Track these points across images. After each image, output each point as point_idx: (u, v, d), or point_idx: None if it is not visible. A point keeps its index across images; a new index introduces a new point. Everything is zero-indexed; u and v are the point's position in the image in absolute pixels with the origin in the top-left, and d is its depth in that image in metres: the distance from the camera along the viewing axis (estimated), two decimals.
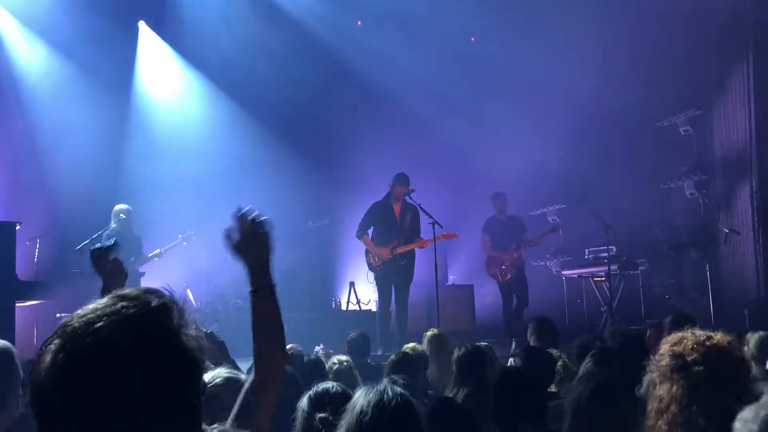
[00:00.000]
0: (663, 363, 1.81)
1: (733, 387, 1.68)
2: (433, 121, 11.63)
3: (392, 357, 4.33)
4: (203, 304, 10.31)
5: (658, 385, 1.79)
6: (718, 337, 1.85)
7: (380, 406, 1.89)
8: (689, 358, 1.77)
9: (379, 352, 7.86)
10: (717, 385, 1.72)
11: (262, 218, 1.97)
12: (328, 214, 10.98)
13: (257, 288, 1.93)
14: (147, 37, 10.89)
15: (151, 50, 10.92)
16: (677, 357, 1.79)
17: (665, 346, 1.86)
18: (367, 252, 8.51)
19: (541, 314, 5.56)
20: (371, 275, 8.55)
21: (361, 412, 1.90)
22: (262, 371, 1.87)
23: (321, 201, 10.95)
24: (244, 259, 1.95)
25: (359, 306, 10.71)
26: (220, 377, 2.49)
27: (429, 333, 5.25)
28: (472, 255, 10.69)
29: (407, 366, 4.03)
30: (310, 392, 2.43)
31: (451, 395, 3.32)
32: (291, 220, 10.28)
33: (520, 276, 9.57)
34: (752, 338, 4.10)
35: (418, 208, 8.36)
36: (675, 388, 1.76)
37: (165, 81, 11.01)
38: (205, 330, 3.09)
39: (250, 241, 1.95)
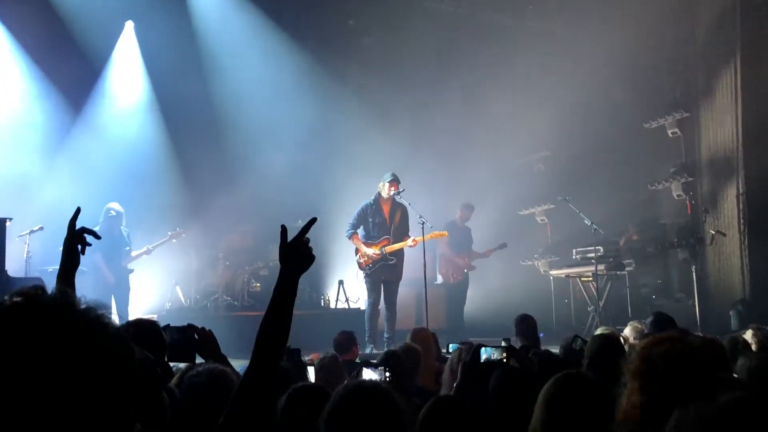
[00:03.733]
0: (631, 363, 1.88)
1: (696, 389, 1.73)
2: (423, 121, 11.68)
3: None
4: (192, 301, 10.32)
5: (627, 384, 1.86)
6: (690, 338, 1.91)
7: (355, 393, 1.96)
8: (653, 357, 1.84)
9: (368, 351, 7.88)
10: (679, 387, 1.77)
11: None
12: (317, 212, 10.86)
13: (285, 291, 2.01)
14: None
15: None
16: (644, 357, 1.86)
17: (637, 347, 1.92)
18: (356, 251, 8.55)
19: (524, 312, 5.62)
20: (360, 273, 8.58)
21: (338, 396, 1.97)
22: (258, 360, 1.93)
23: (310, 199, 11.00)
24: (289, 264, 2.03)
25: (348, 304, 10.74)
26: (202, 370, 2.53)
27: (413, 329, 5.28)
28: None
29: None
30: (289, 390, 2.48)
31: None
32: (281, 218, 10.22)
33: (465, 279, 10.29)
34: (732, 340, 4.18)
35: (408, 207, 8.42)
36: (639, 387, 1.82)
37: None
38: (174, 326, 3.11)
39: (301, 251, 2.04)
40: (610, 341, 3.69)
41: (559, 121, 10.72)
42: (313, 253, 2.05)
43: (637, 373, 1.87)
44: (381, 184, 8.42)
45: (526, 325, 5.51)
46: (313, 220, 2.12)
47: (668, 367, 1.84)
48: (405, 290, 9.13)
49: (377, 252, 8.35)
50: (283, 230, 2.08)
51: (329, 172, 11.24)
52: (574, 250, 10.29)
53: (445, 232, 8.84)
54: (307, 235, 2.06)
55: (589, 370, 3.29)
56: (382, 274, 8.38)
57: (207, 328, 3.20)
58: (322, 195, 10.91)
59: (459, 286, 10.25)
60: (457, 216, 10.26)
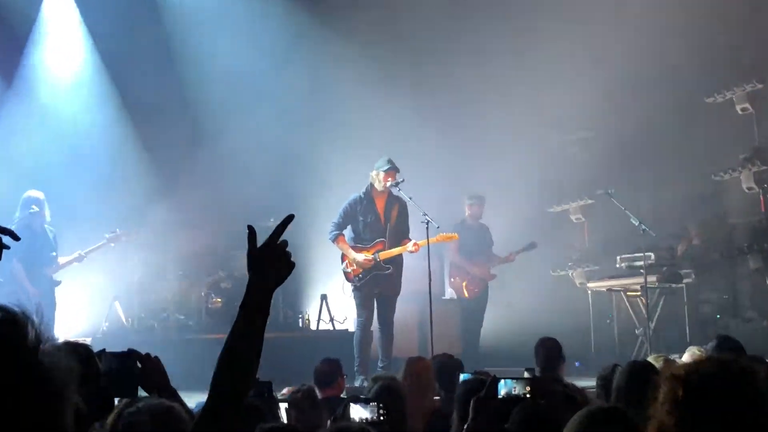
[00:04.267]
0: (664, 392, 1.90)
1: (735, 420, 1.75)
2: (429, 94, 11.71)
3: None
4: (135, 321, 10.34)
5: (657, 417, 1.89)
6: (741, 361, 1.93)
7: None
8: (692, 383, 1.86)
9: (357, 383, 7.90)
10: (725, 421, 1.80)
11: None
12: (295, 209, 10.87)
13: (254, 306, 2.01)
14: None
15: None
16: (679, 383, 1.88)
17: (671, 370, 1.95)
18: (343, 258, 8.57)
19: (548, 336, 5.64)
20: (348, 286, 8.63)
21: None
22: (218, 396, 1.94)
23: (288, 191, 11.03)
24: (260, 274, 2.03)
25: (333, 325, 10.78)
26: (144, 406, 2.54)
27: (408, 359, 5.27)
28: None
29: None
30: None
31: None
32: (250, 217, 10.23)
33: (484, 293, 10.28)
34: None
35: (408, 203, 8.44)
36: (669, 412, 1.84)
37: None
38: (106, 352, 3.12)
39: (276, 257, 2.05)
40: (645, 369, 3.70)
41: (599, 93, 10.71)
42: (292, 259, 2.06)
43: (670, 404, 1.89)
44: (374, 173, 8.44)
45: (545, 350, 5.52)
46: (290, 218, 2.13)
47: (711, 395, 1.86)
48: (405, 307, 9.14)
49: (369, 258, 8.37)
50: (251, 232, 2.07)
51: (313, 159, 11.24)
52: (618, 257, 10.31)
53: (455, 235, 8.86)
54: (284, 237, 2.08)
55: (619, 404, 3.32)
56: (376, 287, 8.41)
57: (153, 355, 3.21)
58: (303, 186, 10.94)
59: (476, 301, 10.23)
60: (466, 214, 10.29)
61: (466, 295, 10.21)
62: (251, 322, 2.00)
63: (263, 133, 10.88)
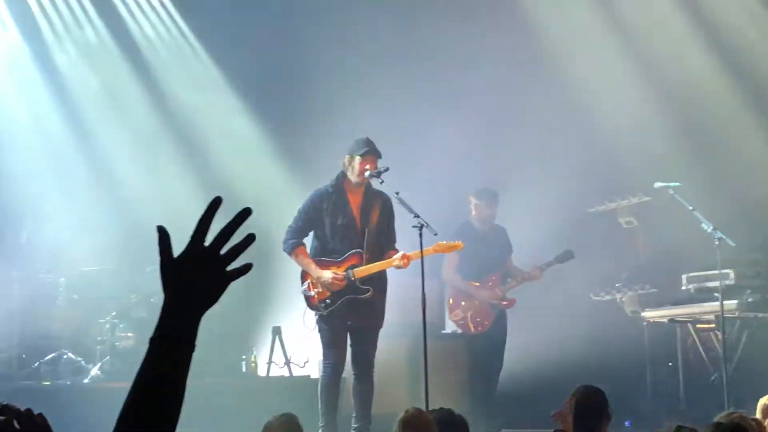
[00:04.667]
0: None
1: None
2: (429, 52, 11.97)
3: None
4: (15, 364, 10.29)
5: None
6: None
7: None
8: None
9: None
10: None
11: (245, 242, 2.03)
12: (238, 203, 10.97)
13: (170, 338, 1.96)
14: None
15: None
16: None
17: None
18: (304, 276, 8.58)
19: (588, 384, 5.64)
20: (311, 316, 8.60)
21: None
22: None
23: (229, 181, 11.06)
24: (179, 291, 1.99)
25: (289, 369, 10.79)
26: None
27: (403, 414, 5.31)
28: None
29: None
30: None
31: None
32: (178, 225, 10.29)
33: (501, 325, 10.19)
34: None
35: (394, 201, 8.46)
36: None
37: None
38: None
39: (208, 268, 2.00)
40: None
41: (662, 54, 10.76)
42: (241, 267, 2.02)
43: None
44: (347, 158, 8.42)
45: (583, 405, 5.51)
46: (245, 214, 2.05)
47: None
48: (391, 345, 9.17)
49: (340, 277, 8.33)
50: (163, 234, 2.01)
51: (273, 138, 11.59)
52: (683, 276, 10.33)
53: (460, 243, 8.82)
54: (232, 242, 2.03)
55: None
56: (350, 317, 8.39)
57: (36, 412, 3.17)
58: (255, 177, 10.99)
59: (487, 337, 10.15)
60: (472, 214, 10.28)
61: (472, 329, 10.14)
62: (167, 361, 1.95)
63: (200, 101, 11.47)
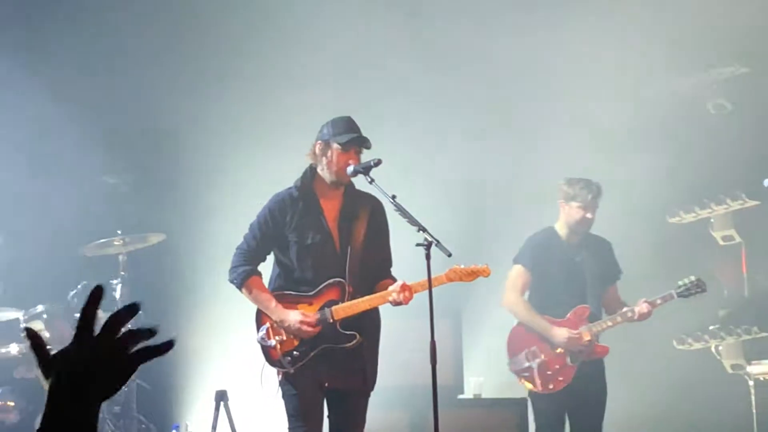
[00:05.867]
0: None
1: None
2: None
3: None
4: None
5: None
6: None
7: None
8: None
9: None
10: None
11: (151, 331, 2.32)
12: (163, 226, 11.76)
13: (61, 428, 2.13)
14: None
15: None
16: None
17: None
18: (260, 317, 8.53)
19: None
20: (272, 373, 8.57)
21: None
22: None
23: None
24: (70, 378, 2.18)
25: None
26: None
27: None
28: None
29: None
30: None
31: None
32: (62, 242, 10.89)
33: (593, 379, 10.04)
34: None
35: (389, 208, 8.42)
36: None
37: None
38: None
39: (102, 353, 2.22)
40: None
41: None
42: (136, 357, 2.24)
43: None
44: (318, 146, 8.43)
45: None
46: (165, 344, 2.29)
47: None
48: (386, 415, 9.34)
49: (311, 319, 8.29)
50: (33, 337, 2.25)
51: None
52: None
53: (486, 268, 8.74)
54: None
55: None
56: (327, 376, 8.37)
57: None
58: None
59: (557, 401, 10.01)
60: (562, 216, 10.20)
61: (540, 386, 9.97)
62: None
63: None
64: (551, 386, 9.79)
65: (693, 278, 9.97)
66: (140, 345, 2.28)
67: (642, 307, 9.91)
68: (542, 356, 9.80)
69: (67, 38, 13.49)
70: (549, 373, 9.83)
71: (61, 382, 2.17)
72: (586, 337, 9.83)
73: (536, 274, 9.68)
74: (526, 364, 9.85)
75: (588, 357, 9.90)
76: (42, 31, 13.46)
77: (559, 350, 9.82)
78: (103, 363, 2.21)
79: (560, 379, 9.79)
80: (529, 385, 9.96)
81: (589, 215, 10.00)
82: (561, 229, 10.09)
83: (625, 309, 10.00)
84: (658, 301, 9.99)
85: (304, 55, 13.39)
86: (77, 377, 2.17)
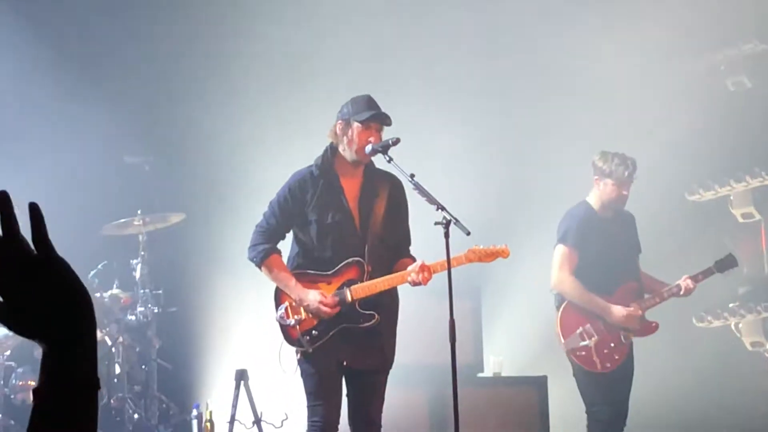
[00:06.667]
0: None
1: None
2: None
3: None
4: None
5: None
6: None
7: None
8: None
9: None
10: None
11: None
12: (183, 206, 11.92)
13: (56, 385, 2.06)
14: None
15: None
16: None
17: None
18: (279, 296, 8.55)
19: None
20: (290, 353, 8.59)
21: None
22: None
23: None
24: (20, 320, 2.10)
25: (260, 430, 10.81)
26: None
27: None
28: (544, 301, 10.76)
29: None
30: None
31: None
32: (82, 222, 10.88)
33: (631, 361, 10.02)
34: None
35: (408, 187, 8.41)
36: None
37: None
38: None
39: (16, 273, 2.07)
40: None
41: None
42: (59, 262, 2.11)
43: None
44: (339, 125, 8.42)
45: None
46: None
47: None
48: (405, 393, 9.37)
49: (330, 301, 8.30)
50: None
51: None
52: None
53: (506, 248, 8.72)
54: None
55: None
56: (346, 355, 8.39)
57: None
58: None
59: (618, 375, 9.97)
60: (597, 194, 10.06)
61: (599, 365, 9.87)
62: (59, 407, 2.04)
63: None
64: (608, 365, 9.74)
65: (728, 253, 10.00)
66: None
67: (688, 283, 9.91)
68: (597, 335, 9.73)
69: (94, 22, 13.58)
70: (606, 351, 9.77)
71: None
72: (640, 313, 9.82)
73: (581, 252, 9.63)
74: (582, 343, 9.74)
75: (640, 334, 9.91)
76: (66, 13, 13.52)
77: (613, 328, 9.77)
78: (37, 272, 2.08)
79: (616, 357, 9.75)
80: (581, 364, 9.85)
81: (624, 192, 9.92)
82: (595, 203, 9.99)
83: (671, 285, 9.97)
84: (700, 277, 9.97)
85: (325, 38, 13.45)
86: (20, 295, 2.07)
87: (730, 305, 11.34)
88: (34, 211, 2.08)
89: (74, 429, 2.03)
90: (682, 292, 9.89)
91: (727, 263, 9.97)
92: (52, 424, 2.03)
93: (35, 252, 2.07)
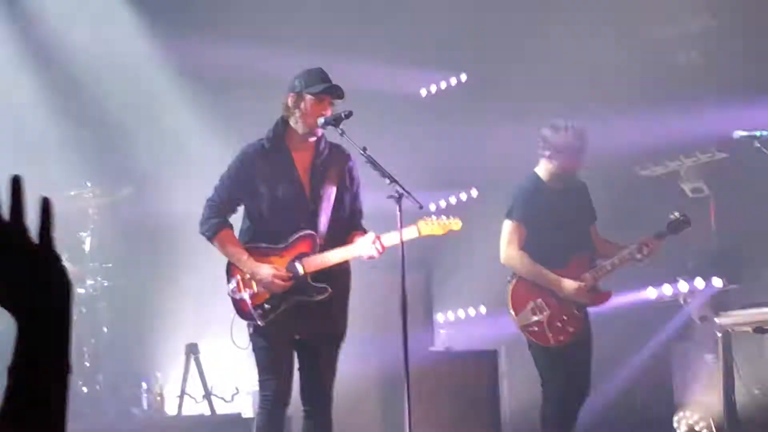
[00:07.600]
0: None
1: None
2: None
3: None
4: None
5: None
6: None
7: None
8: None
9: None
10: None
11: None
12: (132, 179, 12.03)
13: (28, 364, 2.06)
14: None
15: None
16: None
17: None
18: (231, 270, 8.55)
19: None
20: (242, 327, 8.57)
21: None
22: None
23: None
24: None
25: (210, 404, 10.85)
26: None
27: None
28: (495, 274, 10.76)
29: None
30: None
31: None
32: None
33: (587, 333, 9.91)
34: None
35: (360, 160, 8.42)
36: None
37: None
38: None
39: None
40: None
41: None
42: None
43: None
44: (290, 98, 8.38)
45: None
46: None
47: None
48: (356, 366, 9.26)
49: (283, 274, 8.29)
50: None
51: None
52: None
53: (457, 222, 8.72)
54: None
55: None
56: (298, 328, 8.39)
57: None
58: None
59: (572, 349, 9.83)
60: (543, 165, 9.91)
61: (552, 339, 9.75)
62: (30, 392, 2.04)
63: None
64: (561, 338, 9.63)
65: (677, 214, 9.90)
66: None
67: (642, 246, 9.73)
68: (549, 309, 9.64)
69: None
70: (558, 324, 9.65)
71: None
72: (590, 284, 9.69)
73: (529, 225, 9.58)
74: (534, 318, 9.63)
75: (594, 305, 9.82)
76: None
77: (565, 301, 9.67)
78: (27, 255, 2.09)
79: (570, 330, 9.63)
80: (535, 340, 9.73)
81: (575, 164, 9.85)
82: (544, 175, 9.84)
83: (625, 251, 9.78)
84: (655, 240, 9.82)
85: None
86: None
87: (679, 277, 11.36)
88: (45, 205, 2.12)
89: (48, 408, 2.04)
90: (638, 255, 9.71)
91: (679, 225, 9.90)
92: (26, 403, 2.03)
93: (35, 243, 2.09)
